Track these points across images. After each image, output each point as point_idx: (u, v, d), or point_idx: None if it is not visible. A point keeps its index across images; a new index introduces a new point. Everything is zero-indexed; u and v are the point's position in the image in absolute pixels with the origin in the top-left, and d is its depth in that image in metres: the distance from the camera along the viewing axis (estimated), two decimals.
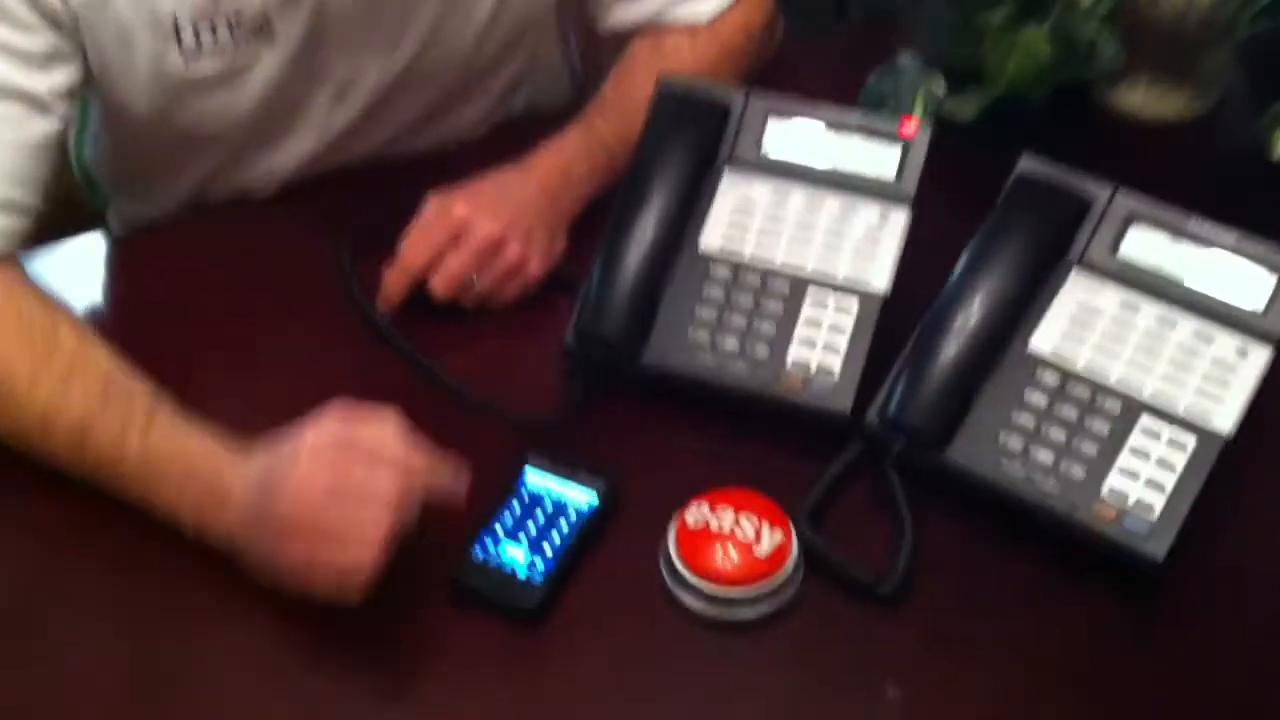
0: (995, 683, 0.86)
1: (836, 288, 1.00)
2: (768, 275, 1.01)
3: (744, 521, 0.89)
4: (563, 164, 1.10)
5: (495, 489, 0.93)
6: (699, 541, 0.88)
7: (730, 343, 0.99)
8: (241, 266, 1.11)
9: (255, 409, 0.91)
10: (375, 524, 0.82)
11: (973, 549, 0.93)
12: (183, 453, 0.89)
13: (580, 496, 0.93)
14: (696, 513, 0.90)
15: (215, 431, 0.91)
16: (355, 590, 0.82)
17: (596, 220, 1.06)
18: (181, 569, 0.89)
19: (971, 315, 0.96)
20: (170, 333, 1.05)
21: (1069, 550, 0.90)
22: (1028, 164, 1.01)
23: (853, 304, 0.99)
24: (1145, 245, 0.97)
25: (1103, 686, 0.86)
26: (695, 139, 1.05)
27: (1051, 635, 0.88)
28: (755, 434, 0.99)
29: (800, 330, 0.99)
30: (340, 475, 0.83)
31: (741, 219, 1.03)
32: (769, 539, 0.88)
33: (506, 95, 1.27)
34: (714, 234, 1.03)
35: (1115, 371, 0.94)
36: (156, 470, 0.89)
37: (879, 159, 1.03)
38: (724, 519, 0.89)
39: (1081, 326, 0.96)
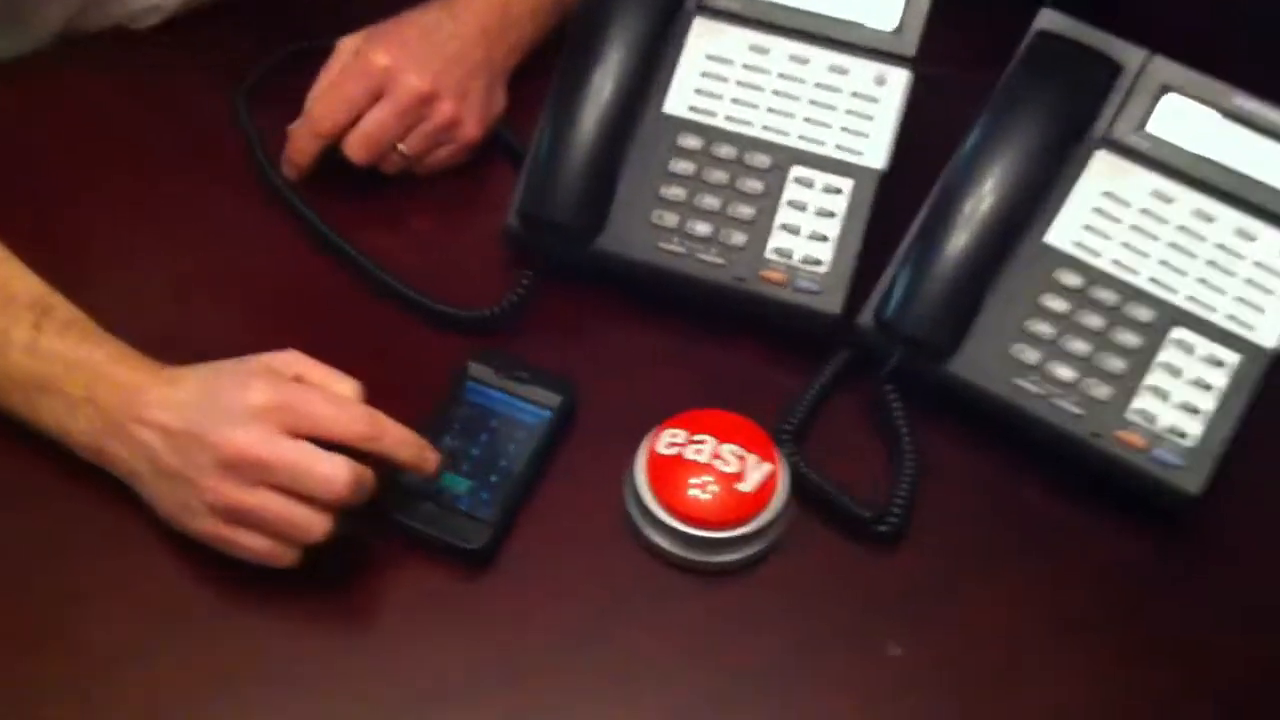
0: (1008, 632, 0.76)
1: (826, 164, 0.86)
2: (745, 146, 0.86)
3: (725, 451, 0.76)
4: (500, 0, 0.93)
5: (430, 403, 0.79)
6: (673, 473, 0.76)
7: (701, 227, 0.85)
8: (124, 111, 0.93)
9: (140, 284, 0.78)
10: (318, 519, 0.70)
11: (981, 478, 0.81)
12: (85, 361, 0.73)
13: (531, 413, 0.79)
14: (670, 439, 0.76)
15: (120, 343, 0.75)
16: (283, 561, 0.71)
17: (542, 73, 0.89)
18: (73, 500, 0.74)
19: (982, 201, 0.82)
20: (41, 187, 0.88)
21: (1091, 480, 0.79)
22: (1048, 19, 0.87)
23: (845, 184, 0.85)
24: (1183, 123, 0.84)
25: (1129, 635, 0.76)
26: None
27: (1071, 577, 0.78)
28: (731, 336, 0.85)
29: (783, 214, 0.85)
30: (285, 454, 0.69)
31: (714, 78, 0.88)
32: (755, 471, 0.76)
33: None
34: (681, 95, 0.87)
35: (1145, 272, 0.82)
36: (48, 379, 0.74)
37: (877, 7, 0.88)
38: (704, 447, 0.76)
39: (1106, 218, 0.83)
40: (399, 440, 0.72)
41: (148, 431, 0.71)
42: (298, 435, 0.69)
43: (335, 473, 0.69)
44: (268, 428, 0.69)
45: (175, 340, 0.76)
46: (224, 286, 0.85)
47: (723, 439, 0.77)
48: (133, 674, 0.70)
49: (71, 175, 0.89)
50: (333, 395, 0.72)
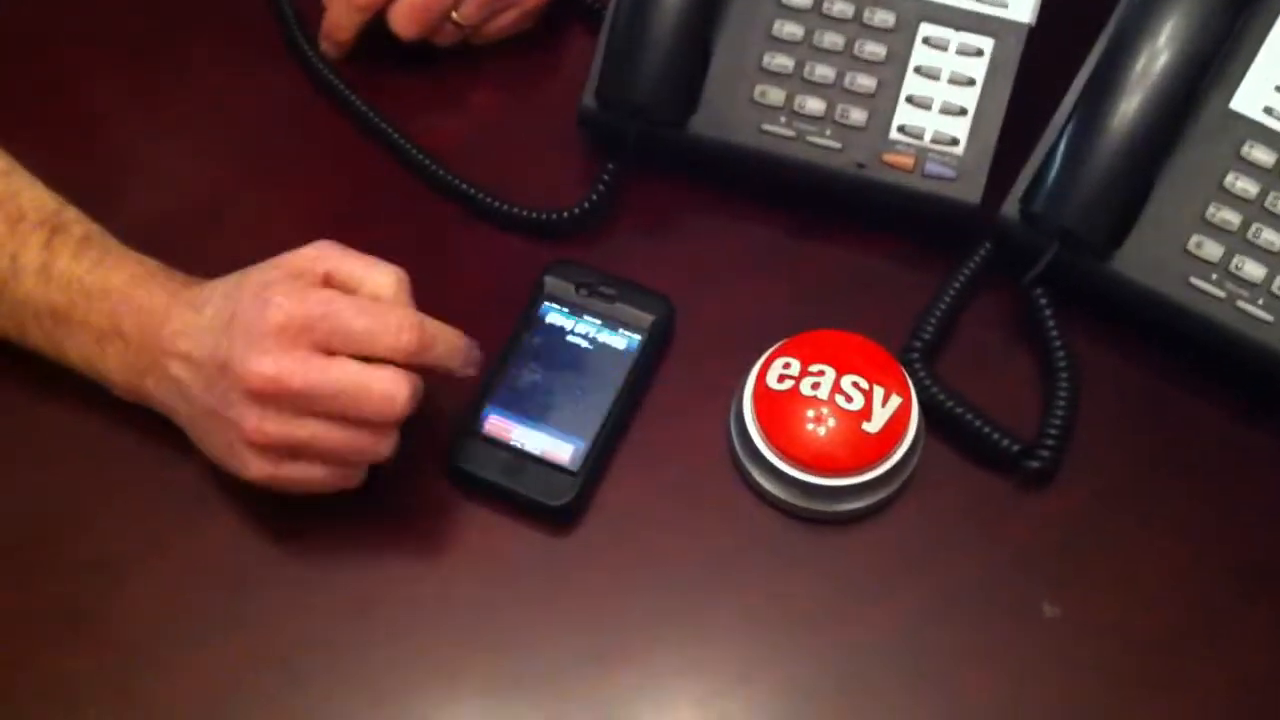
0: (1182, 585, 0.65)
1: (962, 19, 0.72)
2: (864, 1, 0.72)
3: (846, 383, 0.65)
4: None
5: (501, 325, 0.68)
6: (786, 411, 0.65)
7: (813, 103, 0.72)
8: None
9: (171, 186, 0.69)
10: (382, 440, 0.61)
11: (1149, 398, 0.69)
12: (105, 286, 0.64)
13: (621, 336, 0.68)
14: (781, 370, 0.65)
15: (143, 259, 0.65)
16: (349, 483, 0.63)
17: None
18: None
19: (1154, 60, 0.68)
20: (56, 78, 0.77)
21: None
22: None
23: (985, 43, 0.71)
24: None
25: None
26: None
27: (1255, 514, 0.66)
28: (850, 233, 0.73)
29: (911, 84, 0.71)
30: (326, 380, 0.59)
31: None
32: (883, 408, 0.64)
33: None
34: None
35: None
36: (68, 310, 0.64)
37: None
38: (821, 380, 0.65)
39: None
40: (450, 349, 0.62)
41: (176, 364, 0.62)
42: (332, 353, 0.60)
43: (393, 390, 0.59)
44: (298, 351, 0.59)
45: (207, 256, 0.65)
46: (263, 189, 0.75)
47: (842, 369, 0.65)
48: (180, 656, 0.62)
49: (90, 66, 0.78)
50: (366, 304, 0.61)
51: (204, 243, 0.70)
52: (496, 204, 0.73)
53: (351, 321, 0.60)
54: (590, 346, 0.68)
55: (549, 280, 0.70)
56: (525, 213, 0.73)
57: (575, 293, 0.69)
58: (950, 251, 0.71)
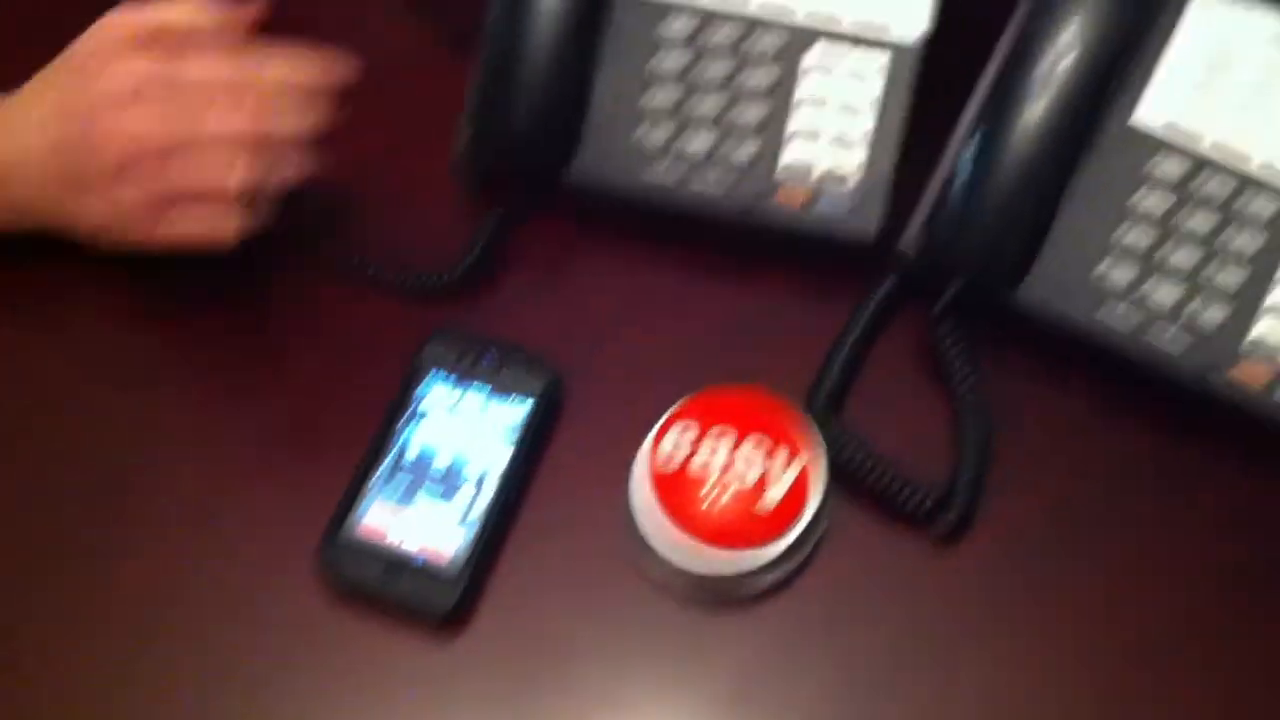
0: (1116, 630, 0.62)
1: (848, 39, 0.68)
2: (746, 27, 0.68)
3: (747, 449, 0.61)
4: None
5: (376, 404, 0.64)
6: (683, 484, 0.61)
7: (696, 142, 0.68)
8: None
9: None
10: (228, 179, 0.60)
11: (1069, 426, 0.66)
12: None
13: (506, 409, 0.65)
14: (678, 437, 0.62)
15: None
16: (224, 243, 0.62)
17: None
18: None
19: (1050, 77, 0.64)
20: None
21: (1208, 422, 0.64)
22: None
23: (874, 64, 0.67)
24: None
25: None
26: None
27: (1185, 549, 0.63)
28: (749, 272, 0.69)
29: (799, 114, 0.67)
30: (172, 121, 0.60)
31: None
32: (786, 472, 0.61)
33: None
34: None
35: (1262, 151, 0.64)
36: None
37: None
38: (720, 445, 0.61)
39: (1211, 81, 0.65)
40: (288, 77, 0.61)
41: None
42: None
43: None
44: (149, 108, 0.59)
45: None
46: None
47: (743, 430, 0.62)
48: None
49: None
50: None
51: None
52: (369, 269, 0.69)
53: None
54: (475, 423, 0.64)
55: (428, 351, 0.66)
56: (399, 277, 0.69)
57: (457, 363, 0.65)
58: (854, 285, 0.68)
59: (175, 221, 0.61)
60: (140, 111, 0.60)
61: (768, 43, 0.68)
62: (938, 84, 0.67)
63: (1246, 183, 0.64)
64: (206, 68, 0.61)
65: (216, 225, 0.61)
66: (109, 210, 0.61)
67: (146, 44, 0.60)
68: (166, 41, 0.61)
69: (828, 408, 0.65)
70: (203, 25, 0.61)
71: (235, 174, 0.60)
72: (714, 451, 0.61)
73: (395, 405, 0.64)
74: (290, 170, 0.62)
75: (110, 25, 0.61)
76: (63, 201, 0.62)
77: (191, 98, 0.60)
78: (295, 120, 0.61)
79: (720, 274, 0.70)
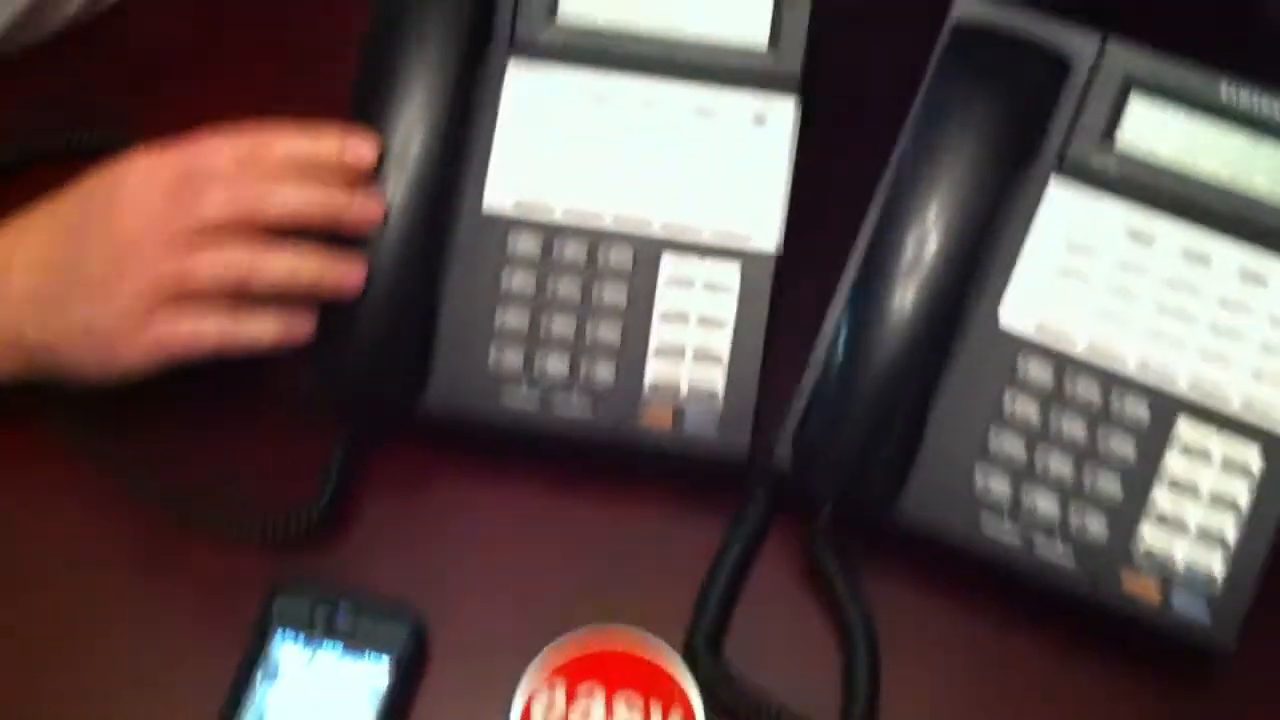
0: None
1: (703, 251, 0.65)
2: (597, 241, 0.65)
3: (620, 711, 0.58)
4: None
5: (222, 668, 0.60)
6: None
7: (554, 363, 0.65)
8: None
9: None
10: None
11: (961, 644, 0.63)
12: None
13: (364, 666, 0.61)
14: (545, 703, 0.58)
15: None
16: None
17: None
18: None
19: (909, 277, 0.62)
20: None
21: (1093, 631, 0.62)
22: (967, 6, 0.66)
23: (732, 278, 0.65)
24: (1157, 128, 0.64)
25: None
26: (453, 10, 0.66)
27: None
28: (618, 490, 0.66)
29: (659, 330, 0.65)
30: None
31: (544, 147, 0.66)
32: None
33: None
34: (504, 181, 0.66)
35: (1134, 350, 0.63)
36: None
37: (734, 16, 0.66)
38: (590, 709, 0.58)
39: (1074, 277, 0.64)
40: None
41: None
42: None
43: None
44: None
45: None
46: None
47: (613, 685, 0.58)
48: None
49: None
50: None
51: None
52: (209, 512, 0.65)
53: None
54: (332, 685, 0.60)
55: (276, 607, 0.62)
56: (242, 525, 0.65)
57: (309, 620, 0.61)
58: (727, 501, 0.65)
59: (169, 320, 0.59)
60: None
61: (622, 256, 0.65)
62: (795, 285, 0.65)
63: (1116, 384, 0.62)
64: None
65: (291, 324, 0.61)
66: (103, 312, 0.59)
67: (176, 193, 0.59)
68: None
69: (708, 649, 0.61)
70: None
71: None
72: (586, 716, 0.58)
73: (244, 666, 0.60)
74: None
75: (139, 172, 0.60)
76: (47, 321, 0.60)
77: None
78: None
79: (586, 495, 0.67)
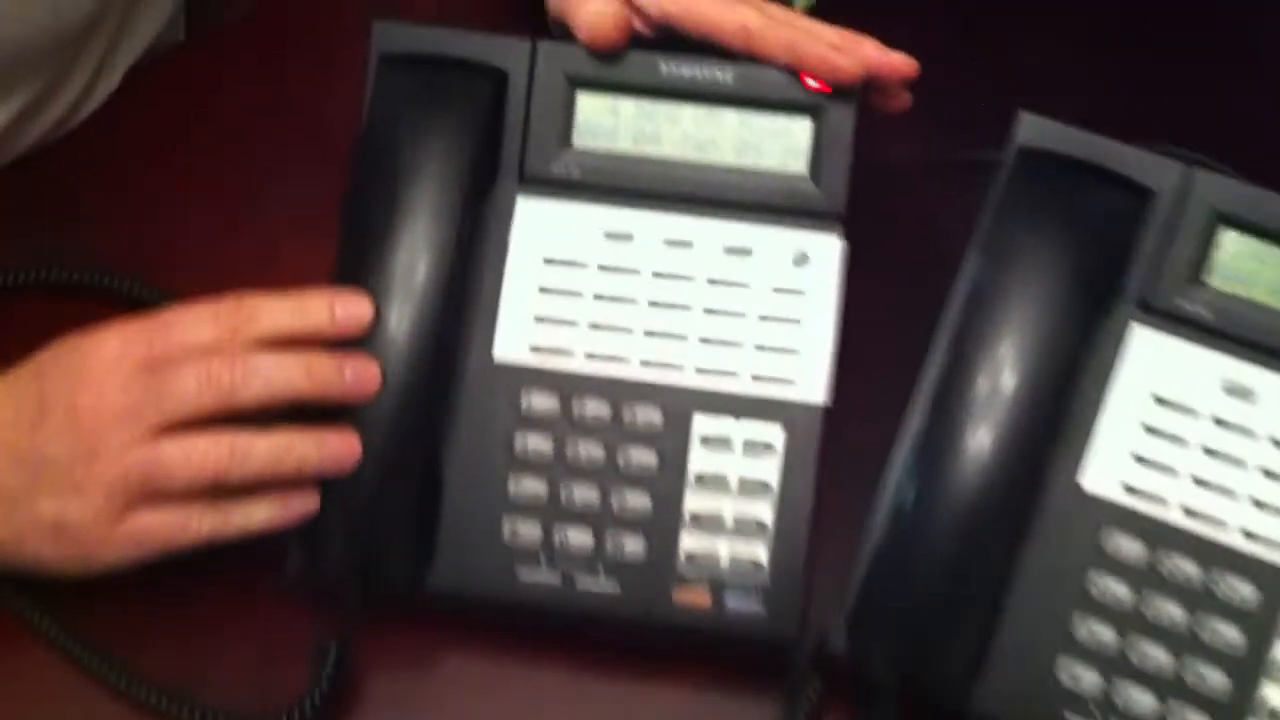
0: None
1: (742, 406, 0.58)
2: (622, 396, 0.58)
3: None
4: None
5: None
6: None
7: (576, 537, 0.57)
8: None
9: None
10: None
11: None
12: None
13: None
14: None
15: None
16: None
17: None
18: None
19: (979, 438, 0.55)
20: None
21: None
22: (1032, 129, 0.59)
23: (774, 435, 0.58)
24: (1252, 265, 0.57)
25: None
26: (457, 142, 0.59)
27: None
28: (650, 669, 0.59)
29: (693, 498, 0.57)
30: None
31: (560, 290, 0.59)
32: None
33: None
34: (516, 327, 0.59)
35: (1234, 520, 0.55)
36: None
37: (774, 138, 0.59)
38: None
39: (1164, 437, 0.56)
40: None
41: None
42: None
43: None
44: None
45: None
46: None
47: None
48: None
49: None
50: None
51: None
52: (194, 712, 0.57)
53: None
54: None
55: None
56: None
57: None
58: (773, 683, 0.57)
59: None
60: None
61: (650, 413, 0.58)
62: (846, 447, 0.57)
63: (1217, 554, 0.55)
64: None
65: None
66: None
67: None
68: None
69: None
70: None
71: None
72: None
73: None
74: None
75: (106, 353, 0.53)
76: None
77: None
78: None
79: (614, 673, 0.59)
